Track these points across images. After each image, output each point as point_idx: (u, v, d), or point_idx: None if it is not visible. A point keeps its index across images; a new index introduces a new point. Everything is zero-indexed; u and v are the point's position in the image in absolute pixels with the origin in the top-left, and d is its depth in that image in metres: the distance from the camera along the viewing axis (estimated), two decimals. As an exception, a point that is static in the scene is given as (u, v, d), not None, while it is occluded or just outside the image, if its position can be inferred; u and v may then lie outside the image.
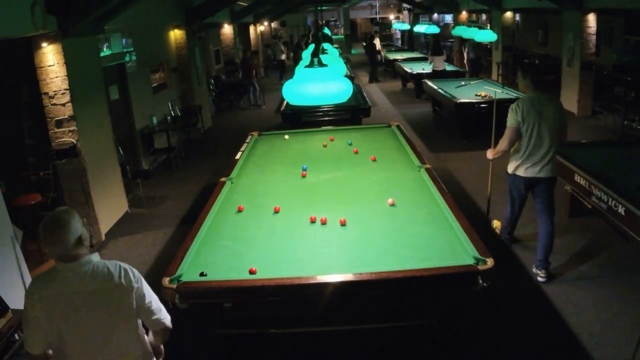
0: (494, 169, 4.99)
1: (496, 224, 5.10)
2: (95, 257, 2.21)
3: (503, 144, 4.23)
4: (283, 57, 17.87)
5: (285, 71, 17.30)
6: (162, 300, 2.45)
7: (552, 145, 4.09)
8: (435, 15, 22.09)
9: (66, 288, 2.12)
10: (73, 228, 2.12)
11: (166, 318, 2.32)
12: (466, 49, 13.71)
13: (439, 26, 17.52)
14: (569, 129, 4.37)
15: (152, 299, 2.27)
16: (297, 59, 11.29)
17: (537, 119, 4.04)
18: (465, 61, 14.18)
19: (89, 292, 2.12)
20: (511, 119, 4.13)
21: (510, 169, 4.36)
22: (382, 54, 17.74)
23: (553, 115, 4.07)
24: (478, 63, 13.11)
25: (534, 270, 4.33)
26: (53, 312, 2.12)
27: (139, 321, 2.26)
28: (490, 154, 4.55)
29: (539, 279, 4.26)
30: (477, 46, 13.09)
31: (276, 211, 3.82)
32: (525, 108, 4.07)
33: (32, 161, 5.71)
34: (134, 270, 2.24)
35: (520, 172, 4.24)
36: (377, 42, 17.28)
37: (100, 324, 2.16)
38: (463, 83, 9.56)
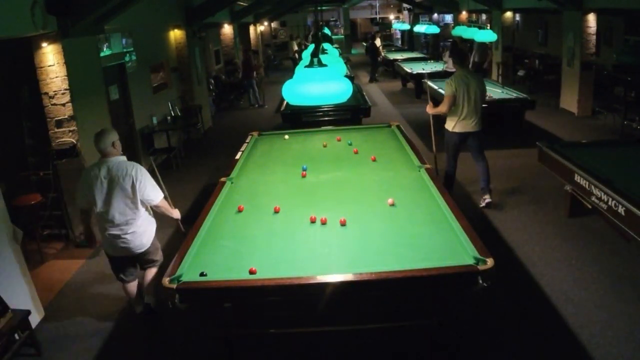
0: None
1: None
2: (122, 158, 3.67)
3: (443, 107, 5.65)
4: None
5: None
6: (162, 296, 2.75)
7: (477, 107, 5.56)
8: (435, 15, 22.07)
9: (100, 172, 3.58)
10: (110, 136, 3.62)
11: (154, 200, 3.70)
12: (473, 52, 13.67)
13: (439, 26, 17.50)
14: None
15: (150, 189, 3.65)
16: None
17: (465, 88, 5.50)
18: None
19: (111, 177, 3.57)
20: (448, 90, 5.58)
21: (449, 127, 5.74)
22: (383, 54, 17.72)
23: (476, 86, 5.55)
24: (481, 67, 13.07)
25: (482, 197, 5.79)
26: (91, 186, 3.58)
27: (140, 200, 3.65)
28: (429, 109, 5.96)
29: (487, 199, 5.74)
30: (483, 51, 13.04)
31: (276, 211, 3.82)
32: (456, 81, 5.54)
33: (32, 161, 5.70)
34: (143, 169, 3.66)
35: (456, 129, 5.65)
36: (378, 42, 17.27)
37: (117, 198, 3.57)
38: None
